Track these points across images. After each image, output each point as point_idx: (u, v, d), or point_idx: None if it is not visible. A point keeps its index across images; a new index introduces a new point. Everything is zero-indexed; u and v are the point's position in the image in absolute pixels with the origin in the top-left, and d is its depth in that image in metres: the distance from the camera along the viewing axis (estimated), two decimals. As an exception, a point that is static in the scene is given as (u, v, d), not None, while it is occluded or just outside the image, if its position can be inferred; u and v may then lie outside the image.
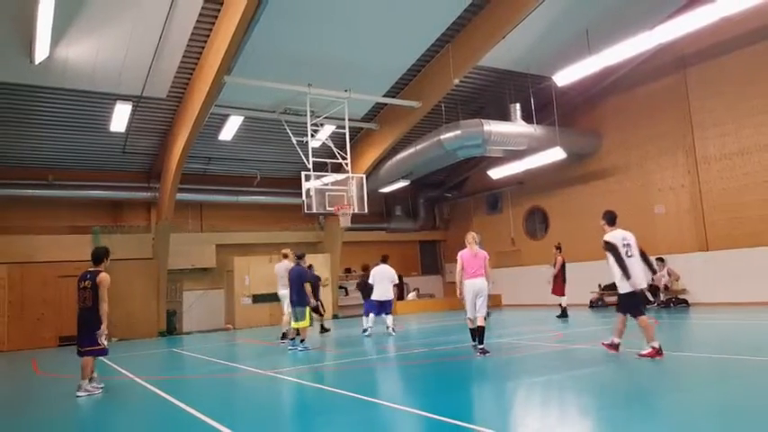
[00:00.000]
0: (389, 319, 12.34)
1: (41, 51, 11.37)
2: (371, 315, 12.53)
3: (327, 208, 13.11)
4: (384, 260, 12.95)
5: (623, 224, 18.38)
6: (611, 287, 16.91)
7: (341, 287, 20.60)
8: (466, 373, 7.48)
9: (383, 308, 12.43)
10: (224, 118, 15.84)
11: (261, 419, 5.57)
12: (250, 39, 11.83)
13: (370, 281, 12.59)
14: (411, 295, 22.29)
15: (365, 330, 12.34)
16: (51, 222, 17.07)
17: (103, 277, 7.08)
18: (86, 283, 7.08)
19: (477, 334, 8.34)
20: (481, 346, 8.29)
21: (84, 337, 7.04)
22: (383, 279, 12.42)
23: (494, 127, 15.34)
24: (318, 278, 13.41)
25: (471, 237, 8.73)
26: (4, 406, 7.47)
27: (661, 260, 15.68)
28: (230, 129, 16.42)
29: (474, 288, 8.40)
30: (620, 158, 17.36)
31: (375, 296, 12.40)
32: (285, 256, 11.98)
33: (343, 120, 14.29)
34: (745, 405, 4.74)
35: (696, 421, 4.45)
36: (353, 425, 4.99)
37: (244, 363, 9.97)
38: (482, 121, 15.31)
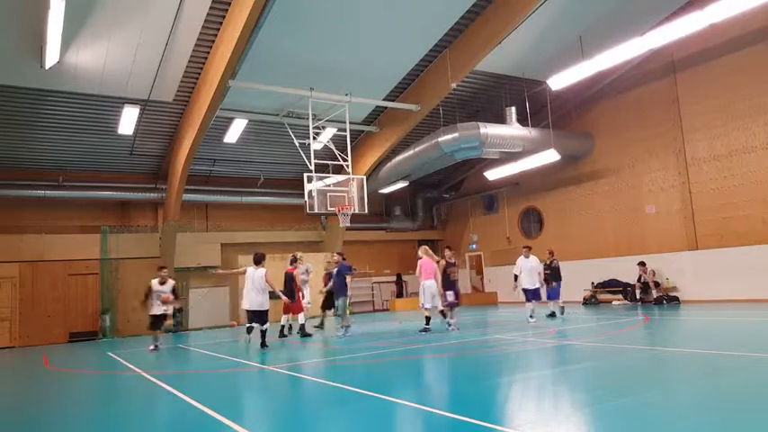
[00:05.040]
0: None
1: (52, 56, 11.52)
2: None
3: (329, 208, 13.24)
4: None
5: (615, 224, 19.01)
6: (604, 284, 17.43)
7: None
8: (467, 367, 7.75)
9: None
10: (229, 121, 16.08)
11: (266, 414, 5.68)
12: (254, 44, 12.08)
13: (516, 272, 13.10)
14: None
15: (552, 314, 13.17)
16: (61, 222, 17.32)
17: None
18: None
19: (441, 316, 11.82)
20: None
21: None
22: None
23: (490, 130, 15.62)
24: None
25: (423, 250, 11.94)
26: (18, 398, 7.65)
27: (642, 263, 16.17)
28: (235, 131, 16.66)
29: (427, 286, 11.53)
30: (612, 160, 17.69)
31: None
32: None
33: (344, 123, 14.51)
34: (732, 399, 4.91)
35: (685, 413, 4.60)
36: (355, 418, 5.11)
37: (248, 358, 9.98)
38: (479, 123, 15.58)
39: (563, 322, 12.19)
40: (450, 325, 11.72)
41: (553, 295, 13.56)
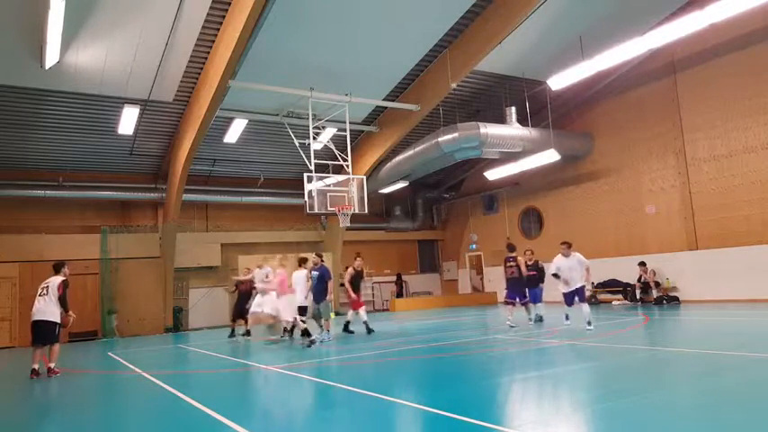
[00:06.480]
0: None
1: (52, 56, 11.52)
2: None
3: (329, 208, 13.22)
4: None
5: (615, 224, 18.67)
6: (604, 284, 17.42)
7: (342, 284, 20.92)
8: (473, 366, 7.78)
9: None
10: (229, 121, 16.08)
11: (266, 414, 5.69)
12: (254, 44, 12.10)
13: (554, 271, 11.45)
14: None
15: (538, 318, 12.46)
16: (61, 222, 17.35)
17: None
18: None
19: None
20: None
21: None
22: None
23: (490, 130, 15.62)
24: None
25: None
26: (19, 398, 7.63)
27: (642, 263, 16.14)
28: (235, 131, 16.66)
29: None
30: (612, 160, 17.69)
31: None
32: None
33: (344, 123, 14.49)
34: (733, 399, 4.91)
35: (685, 413, 4.62)
36: (354, 417, 5.13)
37: (247, 358, 10.01)
38: (479, 123, 15.58)
39: (536, 326, 11.78)
40: (531, 320, 12.23)
41: (536, 299, 12.68)
